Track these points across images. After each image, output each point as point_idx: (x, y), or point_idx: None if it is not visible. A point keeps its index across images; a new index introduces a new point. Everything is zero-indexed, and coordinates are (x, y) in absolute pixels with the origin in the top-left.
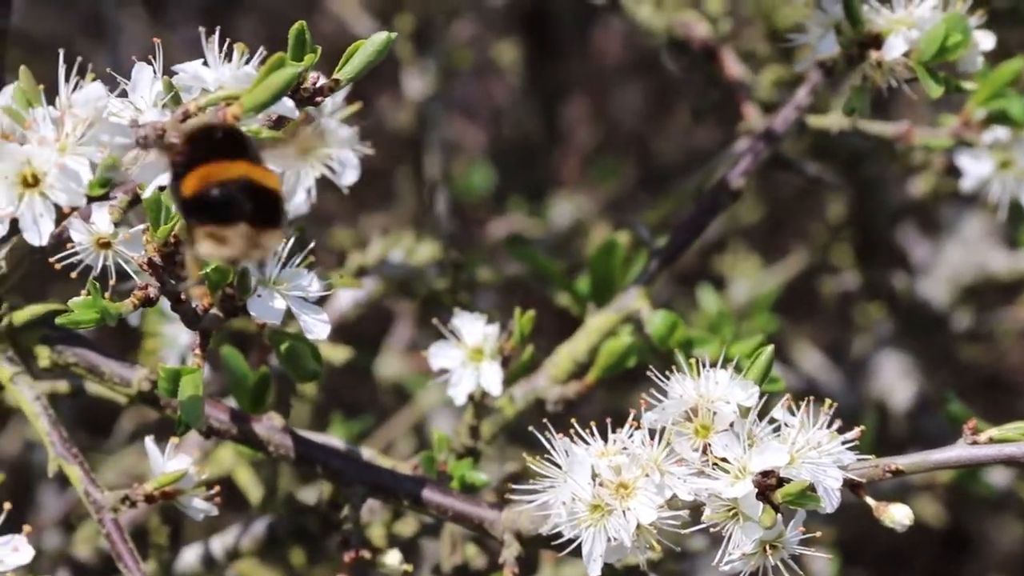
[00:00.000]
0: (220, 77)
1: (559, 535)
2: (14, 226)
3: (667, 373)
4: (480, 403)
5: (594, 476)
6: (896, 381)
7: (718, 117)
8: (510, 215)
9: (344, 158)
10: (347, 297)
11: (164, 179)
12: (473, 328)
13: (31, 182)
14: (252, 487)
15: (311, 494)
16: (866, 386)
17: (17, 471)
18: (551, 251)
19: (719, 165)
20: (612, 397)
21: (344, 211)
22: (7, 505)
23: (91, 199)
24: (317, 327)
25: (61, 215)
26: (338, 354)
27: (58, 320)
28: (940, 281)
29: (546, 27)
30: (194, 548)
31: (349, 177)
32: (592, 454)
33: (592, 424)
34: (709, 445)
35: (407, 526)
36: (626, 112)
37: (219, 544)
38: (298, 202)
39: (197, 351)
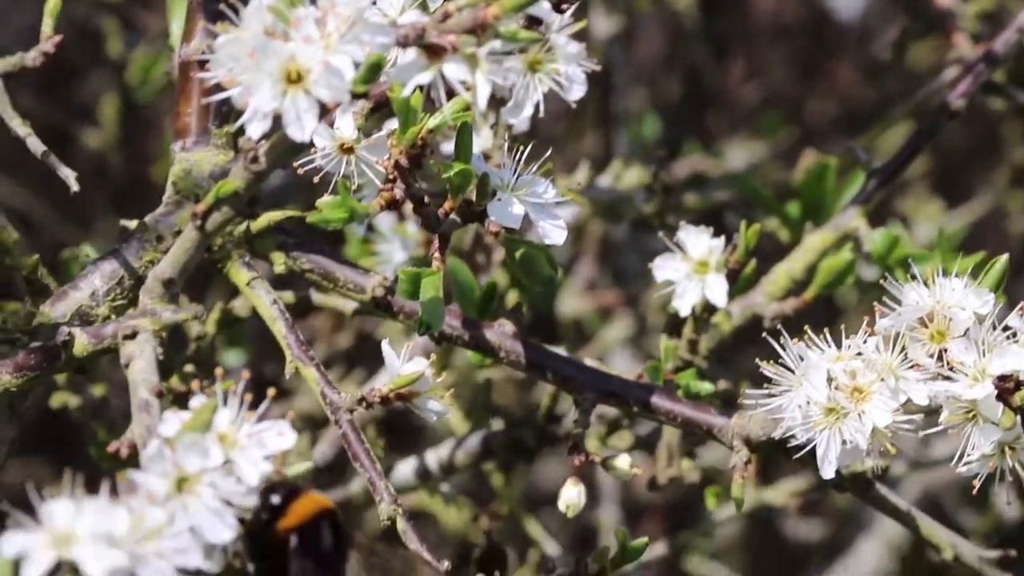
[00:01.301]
0: None
1: (790, 440)
2: (276, 122)
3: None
4: (700, 318)
5: (829, 380)
6: None
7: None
8: (689, 157)
9: (571, 74)
10: None
11: (421, 79)
12: (698, 241)
13: (295, 79)
14: (454, 415)
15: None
16: None
17: None
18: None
19: (929, 92)
20: None
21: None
22: (271, 391)
23: (354, 96)
24: (554, 232)
25: (323, 111)
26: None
27: (309, 218)
28: None
29: None
30: (409, 461)
31: (576, 93)
32: (827, 359)
33: (826, 331)
34: (945, 350)
35: (622, 440)
36: (783, 70)
37: (434, 457)
38: (525, 115)
39: (437, 255)
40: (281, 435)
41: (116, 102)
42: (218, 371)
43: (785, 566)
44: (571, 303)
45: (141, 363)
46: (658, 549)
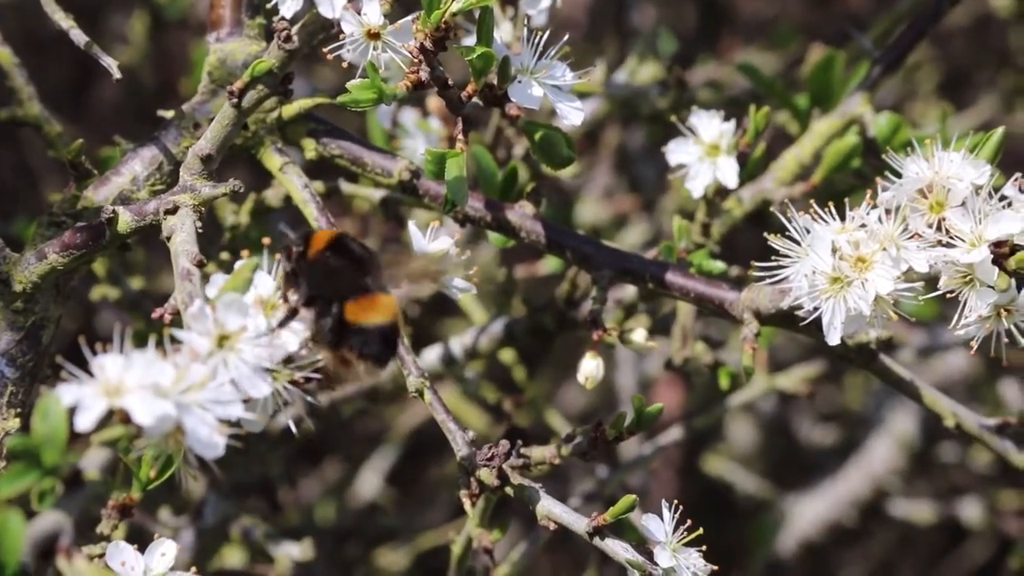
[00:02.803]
0: None
1: (797, 310)
2: (308, 3)
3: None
4: (712, 201)
5: (834, 250)
6: None
7: None
8: (704, 66)
9: None
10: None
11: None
12: (710, 125)
13: None
14: (475, 308)
15: None
16: None
17: None
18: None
19: None
20: None
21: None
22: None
23: None
24: (572, 114)
25: None
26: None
27: (339, 99)
28: None
29: None
30: (434, 348)
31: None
32: (831, 230)
33: (830, 204)
34: (944, 219)
35: (638, 323)
36: None
37: (458, 344)
38: (544, 6)
39: (460, 136)
40: None
41: (146, 19)
42: (244, 252)
43: (800, 470)
44: (589, 210)
45: (182, 235)
46: (673, 434)
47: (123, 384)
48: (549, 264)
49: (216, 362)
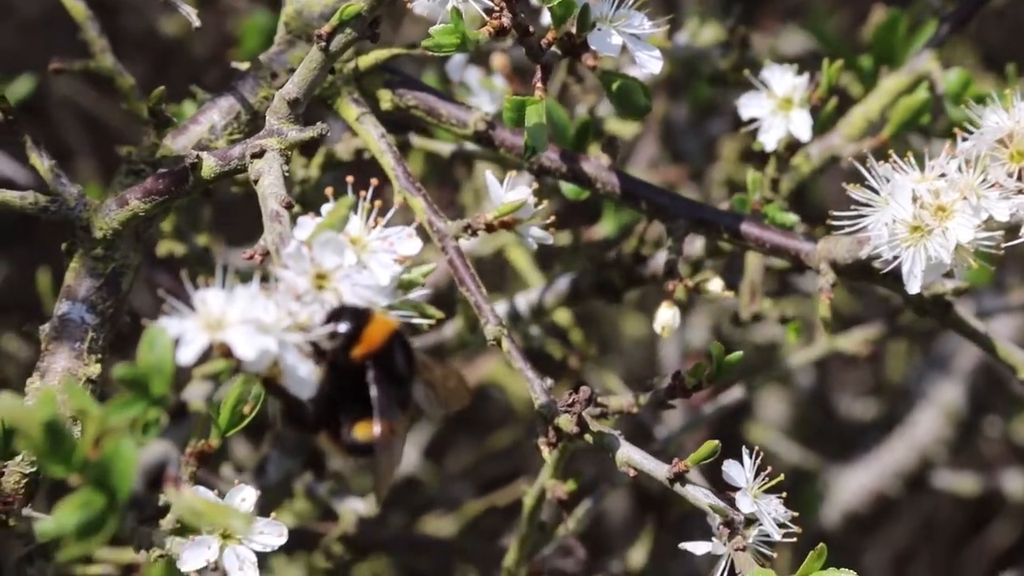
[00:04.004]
0: None
1: (875, 260)
2: None
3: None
4: (783, 156)
5: (914, 199)
6: None
7: None
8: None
9: None
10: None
11: None
12: (782, 78)
13: None
14: (530, 271)
15: None
16: None
17: None
18: None
19: None
20: None
21: None
22: (400, 197)
23: None
24: (651, 62)
25: None
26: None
27: (423, 43)
28: None
29: None
30: (499, 305)
31: None
32: (911, 180)
33: (909, 154)
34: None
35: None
36: None
37: (524, 301)
38: None
39: (539, 84)
40: (410, 238)
41: None
42: (328, 190)
43: (837, 443)
44: None
45: (270, 178)
46: (735, 393)
47: (225, 318)
48: (605, 228)
49: (313, 301)
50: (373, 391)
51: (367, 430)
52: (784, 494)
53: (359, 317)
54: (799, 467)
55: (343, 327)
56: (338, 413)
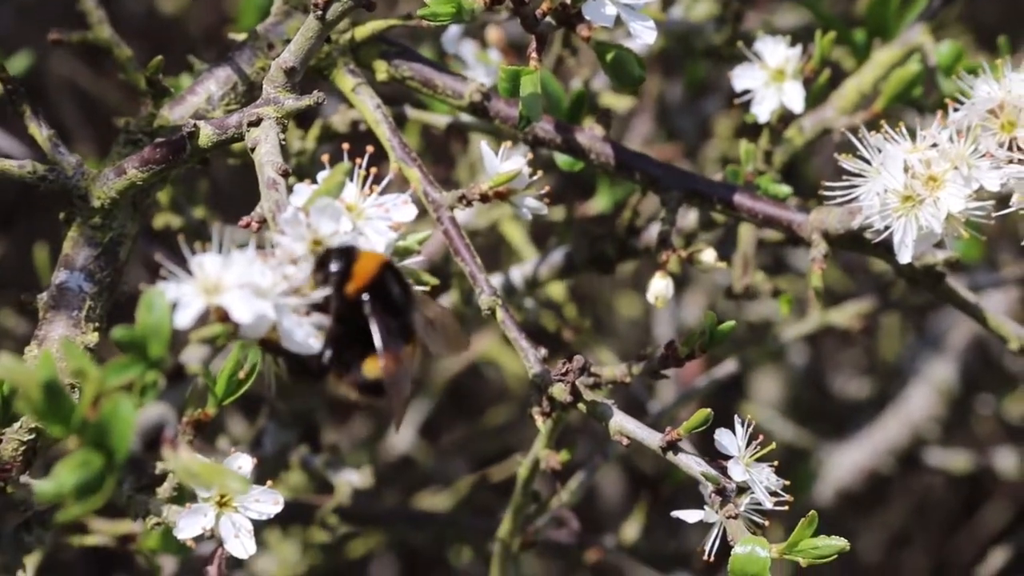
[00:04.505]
0: None
1: (866, 230)
2: None
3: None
4: (776, 128)
5: (905, 169)
6: None
7: None
8: None
9: None
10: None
11: None
12: (776, 50)
13: None
14: (524, 245)
15: None
16: None
17: None
18: None
19: None
20: None
21: None
22: (395, 166)
23: None
24: (645, 33)
25: None
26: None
27: (419, 12)
28: None
29: None
30: (495, 278)
31: None
32: (903, 150)
33: (901, 125)
34: (1015, 139)
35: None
36: None
37: (518, 273)
38: None
39: (534, 54)
40: (405, 204)
41: None
42: (324, 157)
43: (829, 421)
44: None
45: (267, 146)
46: (728, 367)
47: (222, 282)
48: (599, 203)
49: (308, 267)
50: (372, 323)
51: (374, 366)
52: (776, 463)
53: (347, 254)
54: (792, 445)
55: (333, 267)
56: (344, 354)
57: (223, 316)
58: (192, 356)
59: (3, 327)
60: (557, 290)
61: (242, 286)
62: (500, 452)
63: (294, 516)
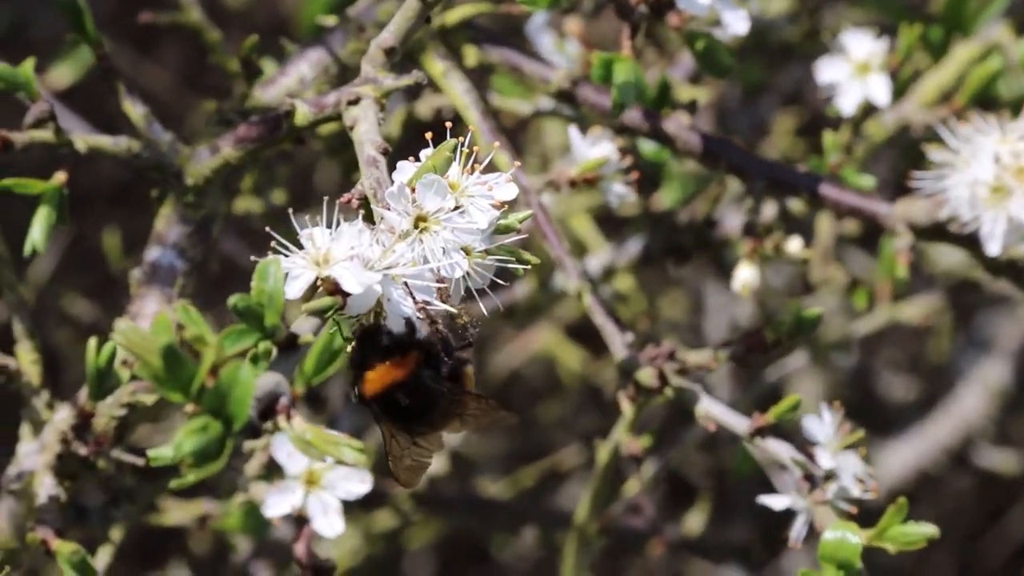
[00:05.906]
0: None
1: (951, 221)
2: None
3: None
4: (858, 121)
5: (995, 160)
6: None
7: None
8: None
9: None
10: None
11: None
12: (861, 43)
13: None
14: (594, 238)
15: None
16: None
17: None
18: None
19: None
20: None
21: None
22: (496, 142)
23: None
24: (737, 23)
25: None
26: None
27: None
28: None
29: None
30: None
31: None
32: (993, 141)
33: (991, 116)
34: None
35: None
36: None
37: (596, 262)
38: None
39: (627, 42)
40: (508, 183)
41: None
42: (428, 134)
43: (881, 422)
44: None
45: (365, 125)
46: (799, 360)
47: (331, 254)
48: (668, 197)
49: (414, 242)
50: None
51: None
52: (864, 451)
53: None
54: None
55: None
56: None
57: (332, 289)
58: (303, 327)
59: (69, 314)
60: (625, 282)
61: (351, 258)
62: (542, 449)
63: (363, 502)
